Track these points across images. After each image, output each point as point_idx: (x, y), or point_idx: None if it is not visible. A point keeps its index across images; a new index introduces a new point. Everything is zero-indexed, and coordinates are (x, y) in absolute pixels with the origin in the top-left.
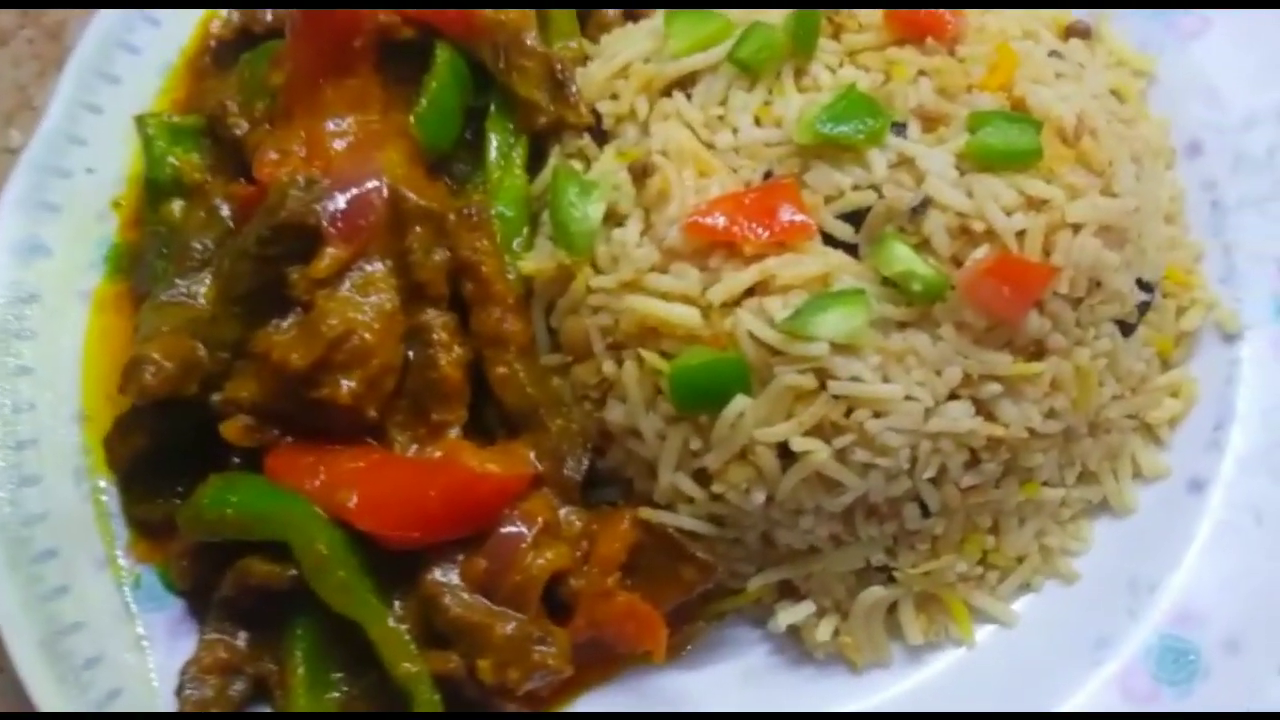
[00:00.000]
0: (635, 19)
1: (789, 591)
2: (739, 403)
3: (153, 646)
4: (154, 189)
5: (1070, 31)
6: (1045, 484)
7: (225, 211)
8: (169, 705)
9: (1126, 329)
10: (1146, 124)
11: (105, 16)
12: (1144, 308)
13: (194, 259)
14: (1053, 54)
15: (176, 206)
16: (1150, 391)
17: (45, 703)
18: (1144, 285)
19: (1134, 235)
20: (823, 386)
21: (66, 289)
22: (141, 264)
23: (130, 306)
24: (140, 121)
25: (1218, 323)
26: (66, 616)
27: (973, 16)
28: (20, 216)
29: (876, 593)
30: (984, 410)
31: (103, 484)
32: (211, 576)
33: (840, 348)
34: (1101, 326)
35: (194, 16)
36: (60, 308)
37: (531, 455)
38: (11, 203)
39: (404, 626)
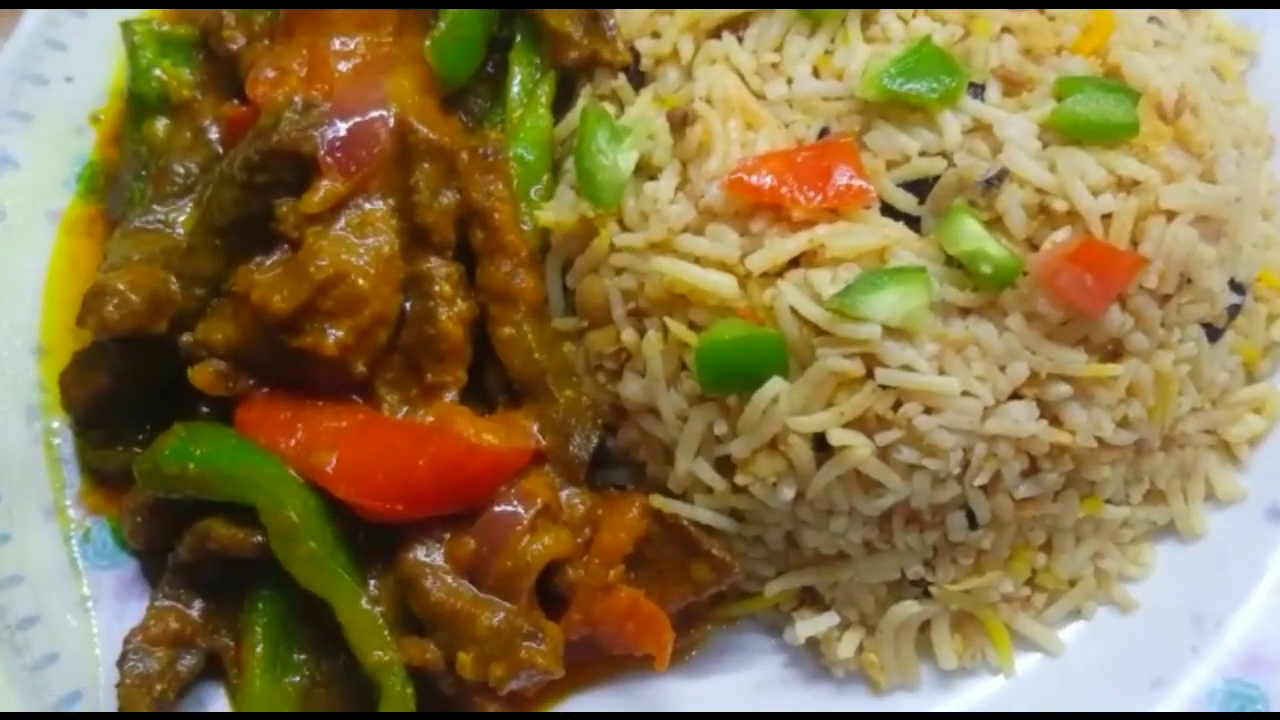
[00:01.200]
0: None
1: (811, 599)
2: (774, 385)
3: (98, 608)
4: (137, 104)
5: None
6: (1108, 501)
7: (214, 134)
8: (110, 675)
9: (1213, 333)
10: (1246, 108)
11: None
12: (1234, 311)
13: (175, 183)
14: (1152, 20)
15: (160, 125)
16: (1232, 405)
17: None
18: (1236, 286)
19: (1231, 229)
20: (870, 374)
21: (33, 207)
22: (118, 185)
23: (102, 231)
24: (126, 28)
25: None
26: (4, 569)
27: None
28: None
29: (909, 608)
30: (1049, 414)
31: (56, 425)
32: (168, 536)
33: (893, 332)
34: (1187, 329)
35: None
36: (25, 227)
37: (534, 428)
38: None
39: (378, 609)
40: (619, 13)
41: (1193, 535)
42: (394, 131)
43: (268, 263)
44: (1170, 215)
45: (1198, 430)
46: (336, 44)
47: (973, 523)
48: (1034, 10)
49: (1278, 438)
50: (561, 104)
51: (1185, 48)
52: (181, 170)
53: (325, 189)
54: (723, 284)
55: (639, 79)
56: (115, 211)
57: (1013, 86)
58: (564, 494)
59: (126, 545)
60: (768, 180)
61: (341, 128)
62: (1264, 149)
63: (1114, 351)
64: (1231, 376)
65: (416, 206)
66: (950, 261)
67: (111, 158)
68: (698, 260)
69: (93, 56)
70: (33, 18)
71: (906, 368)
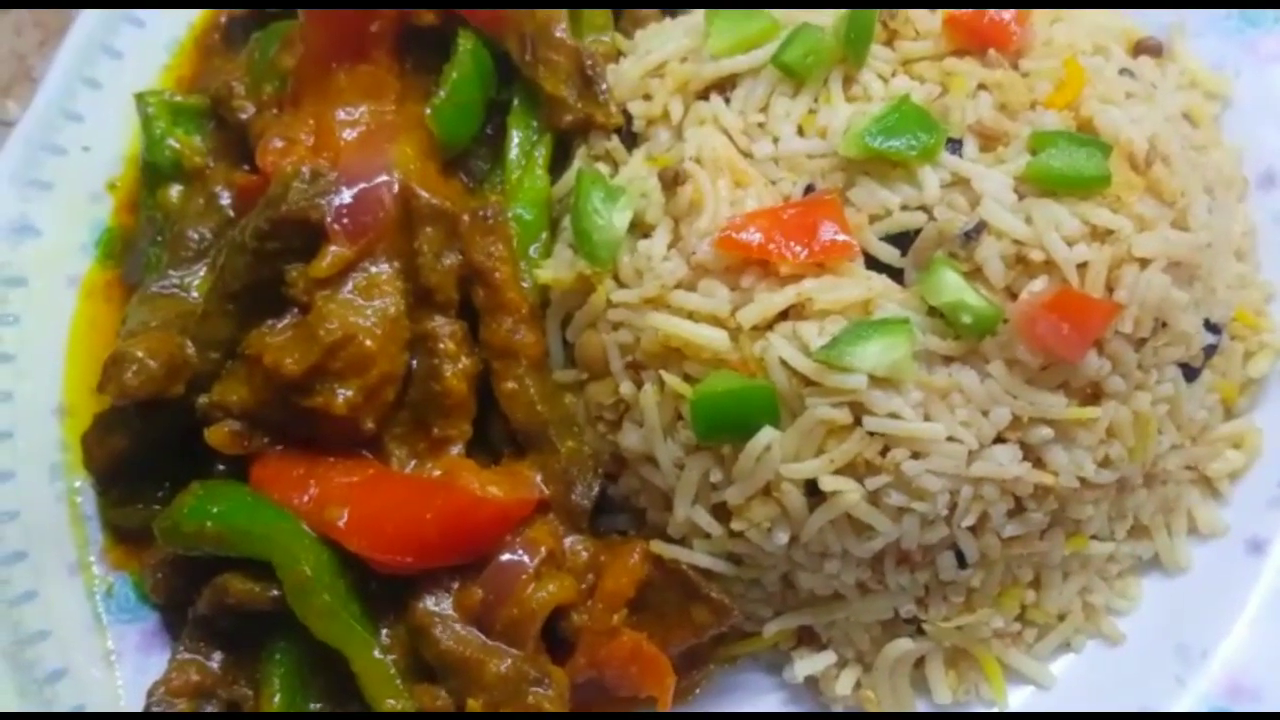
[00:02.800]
0: (674, 15)
1: (809, 638)
2: (766, 435)
3: (121, 661)
4: (152, 172)
5: (1141, 48)
6: (1094, 537)
7: (225, 200)
8: None
9: (1190, 373)
10: (1219, 151)
11: None
12: (1210, 351)
13: (189, 249)
14: (1124, 72)
15: (174, 192)
16: (1212, 441)
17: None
18: (1211, 327)
19: (1204, 273)
20: (858, 422)
21: (55, 273)
22: (134, 251)
23: (120, 295)
24: (141, 99)
25: None
26: (32, 624)
27: (1039, 28)
28: (11, 194)
29: (904, 645)
30: (1032, 456)
31: (79, 484)
32: (188, 590)
33: (879, 381)
34: (1164, 370)
35: None
36: (47, 293)
37: (538, 478)
38: (1, 179)
39: (390, 658)
40: (612, 76)
41: (1177, 568)
42: (398, 197)
43: (279, 326)
44: (1143, 263)
45: (1179, 466)
46: (342, 113)
47: (962, 562)
48: (1008, 68)
49: (1257, 471)
50: (558, 164)
51: (1157, 97)
52: (195, 236)
53: (333, 254)
54: (715, 338)
55: (631, 139)
56: (132, 276)
57: (989, 141)
58: (567, 541)
59: (148, 600)
60: (756, 237)
61: (347, 195)
62: (1237, 191)
63: (1093, 394)
64: (1210, 414)
65: (421, 268)
66: (933, 312)
67: (128, 224)
68: (690, 315)
69: (108, 126)
70: (51, 89)
71: (893, 415)
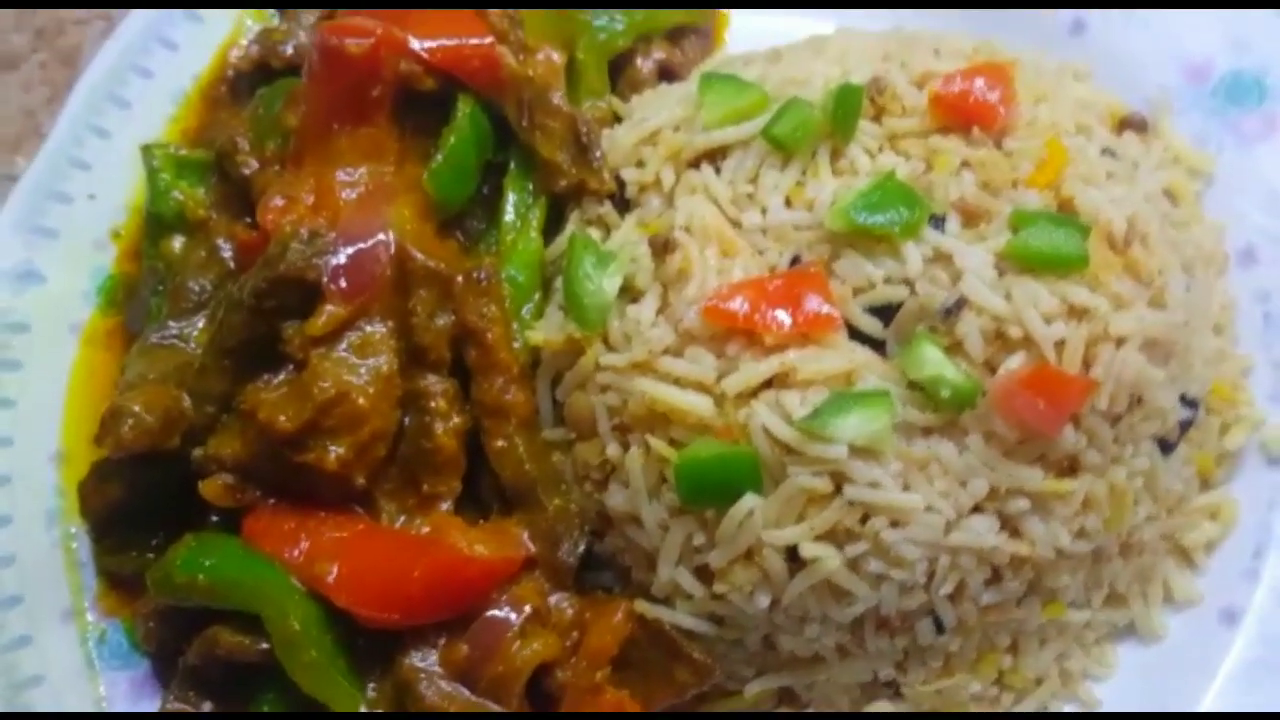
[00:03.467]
0: (670, 78)
1: (789, 699)
2: (748, 501)
3: (112, 708)
4: (155, 223)
5: (1126, 124)
6: (1070, 605)
7: (227, 252)
8: None
9: (1167, 447)
10: (1200, 227)
11: (120, 38)
12: (1186, 425)
13: (190, 300)
14: (1105, 151)
15: (177, 243)
16: (1188, 513)
17: None
18: (1188, 401)
19: (1181, 350)
20: (838, 490)
21: (58, 320)
22: (136, 299)
23: (121, 343)
24: (146, 151)
25: (1263, 443)
26: (26, 668)
27: (1024, 107)
28: (16, 241)
29: (882, 708)
30: (1009, 526)
31: (74, 530)
32: (179, 640)
33: (860, 451)
34: (1140, 444)
35: (213, 43)
36: (50, 339)
37: (525, 535)
38: (8, 226)
39: (378, 712)
40: (606, 142)
41: (1152, 636)
42: (394, 258)
43: (274, 381)
44: (1119, 341)
45: (1155, 537)
46: (342, 174)
47: (940, 628)
48: (991, 147)
49: (1232, 542)
50: (552, 227)
51: (1138, 176)
52: (196, 287)
53: (328, 314)
54: (700, 404)
55: (624, 205)
56: (134, 324)
57: (971, 218)
58: (553, 599)
59: (139, 647)
60: (742, 307)
61: (344, 256)
62: (1217, 266)
63: (1070, 467)
64: (1186, 486)
65: (414, 328)
66: (913, 385)
67: (130, 272)
68: (677, 381)
69: (114, 175)
70: (58, 138)
71: (873, 485)
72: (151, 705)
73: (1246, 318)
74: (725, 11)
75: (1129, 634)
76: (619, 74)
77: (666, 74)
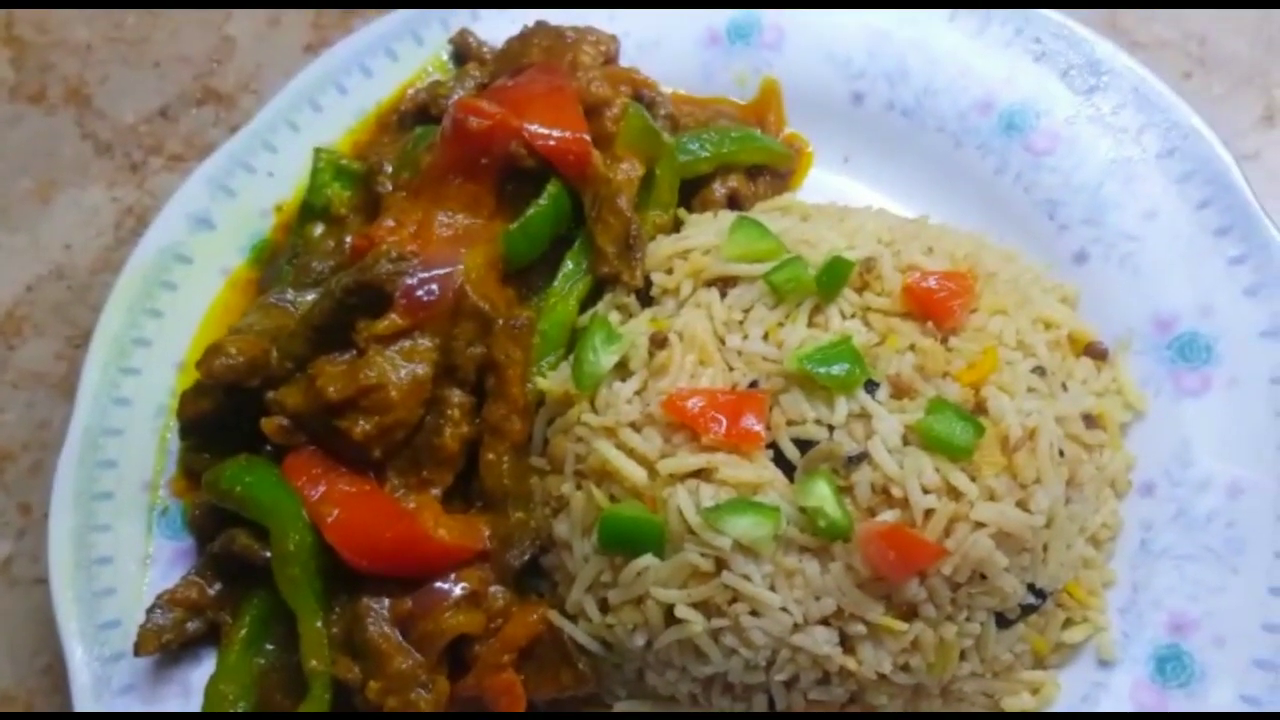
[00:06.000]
0: (737, 206)
1: None
2: (647, 559)
3: (154, 567)
4: (307, 209)
5: (1088, 350)
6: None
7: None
8: (140, 618)
9: (1003, 621)
10: (1115, 454)
11: (332, 55)
12: (1029, 609)
13: (309, 277)
14: (1036, 369)
15: (318, 229)
16: (1013, 681)
17: (58, 582)
18: (1036, 591)
19: (1035, 547)
20: (718, 572)
21: (214, 262)
22: (275, 263)
23: (253, 293)
24: (317, 152)
25: (1098, 647)
26: (101, 518)
27: (980, 316)
28: (203, 192)
29: None
30: (846, 643)
31: (172, 425)
32: (213, 531)
33: (743, 548)
34: (976, 612)
35: (399, 79)
36: (203, 275)
37: (486, 533)
38: (201, 178)
39: (332, 630)
40: (652, 247)
41: None
42: (456, 292)
43: (339, 359)
44: (978, 525)
45: (975, 692)
46: (443, 215)
47: (772, 707)
48: (937, 340)
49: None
50: (590, 300)
51: (1061, 397)
52: (318, 267)
53: (391, 321)
54: (638, 474)
55: (647, 300)
56: (266, 282)
57: (899, 392)
58: (492, 589)
59: (188, 527)
60: (695, 406)
61: (418, 279)
62: (1119, 490)
63: (909, 611)
64: (1017, 659)
65: (453, 350)
66: (803, 509)
67: (279, 240)
68: (630, 451)
69: (291, 162)
70: (258, 121)
71: (745, 577)
72: (180, 573)
73: (1128, 540)
74: (808, 157)
75: None
76: (697, 190)
77: (734, 202)
